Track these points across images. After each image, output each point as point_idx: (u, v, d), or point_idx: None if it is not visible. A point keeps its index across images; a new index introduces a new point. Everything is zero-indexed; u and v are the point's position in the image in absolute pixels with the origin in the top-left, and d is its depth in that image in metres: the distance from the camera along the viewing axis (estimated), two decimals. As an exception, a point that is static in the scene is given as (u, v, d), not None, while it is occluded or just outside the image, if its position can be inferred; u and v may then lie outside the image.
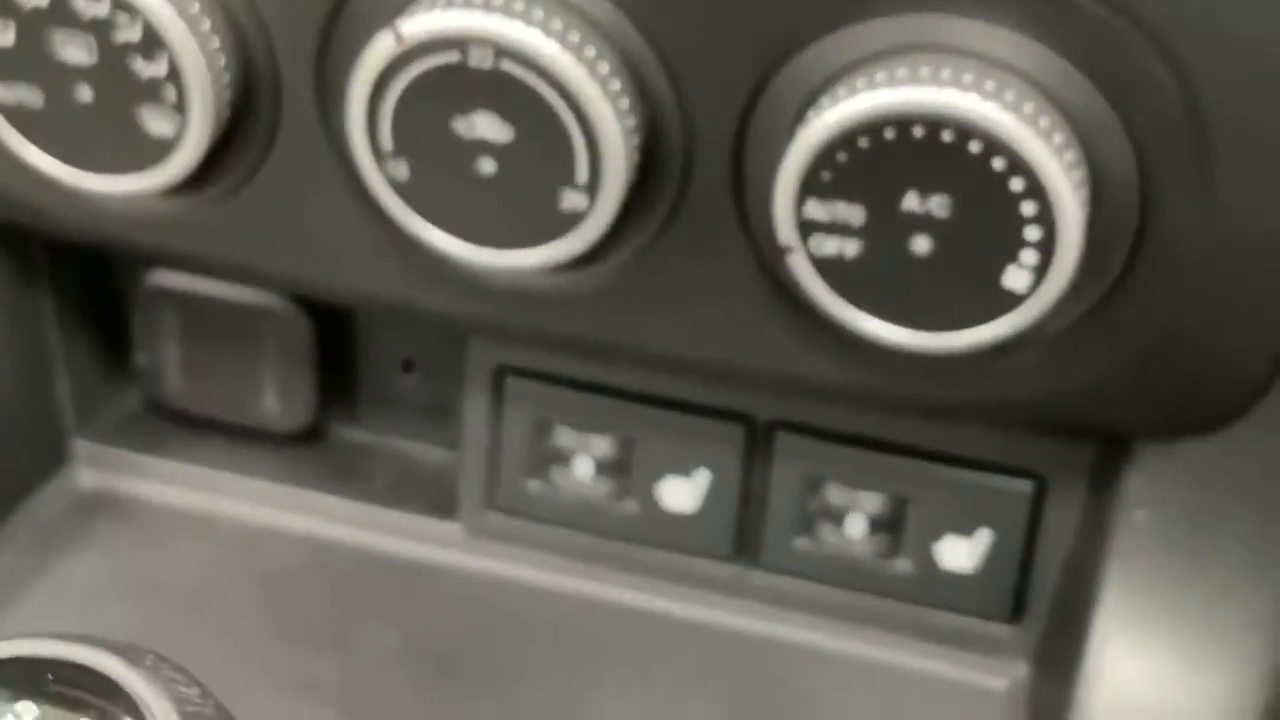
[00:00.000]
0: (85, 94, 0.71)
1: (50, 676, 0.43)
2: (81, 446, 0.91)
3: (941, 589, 0.82)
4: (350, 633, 0.82)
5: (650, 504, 0.85)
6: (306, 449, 0.92)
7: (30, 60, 0.71)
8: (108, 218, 0.77)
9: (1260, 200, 0.65)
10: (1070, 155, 0.63)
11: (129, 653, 0.44)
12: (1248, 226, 0.65)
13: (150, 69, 0.70)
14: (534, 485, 0.86)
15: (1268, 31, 0.61)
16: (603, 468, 0.85)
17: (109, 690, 0.43)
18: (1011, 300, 0.65)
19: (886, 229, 0.65)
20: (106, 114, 0.71)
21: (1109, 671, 0.74)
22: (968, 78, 0.62)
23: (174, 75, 0.69)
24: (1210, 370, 0.70)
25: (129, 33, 0.69)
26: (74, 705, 0.43)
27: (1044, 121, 0.62)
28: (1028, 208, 0.63)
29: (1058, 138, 0.62)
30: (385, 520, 0.89)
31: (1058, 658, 0.78)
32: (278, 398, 0.91)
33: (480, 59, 0.66)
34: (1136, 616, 0.74)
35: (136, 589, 0.84)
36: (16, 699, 0.43)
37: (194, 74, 0.69)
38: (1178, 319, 0.68)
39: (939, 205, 0.64)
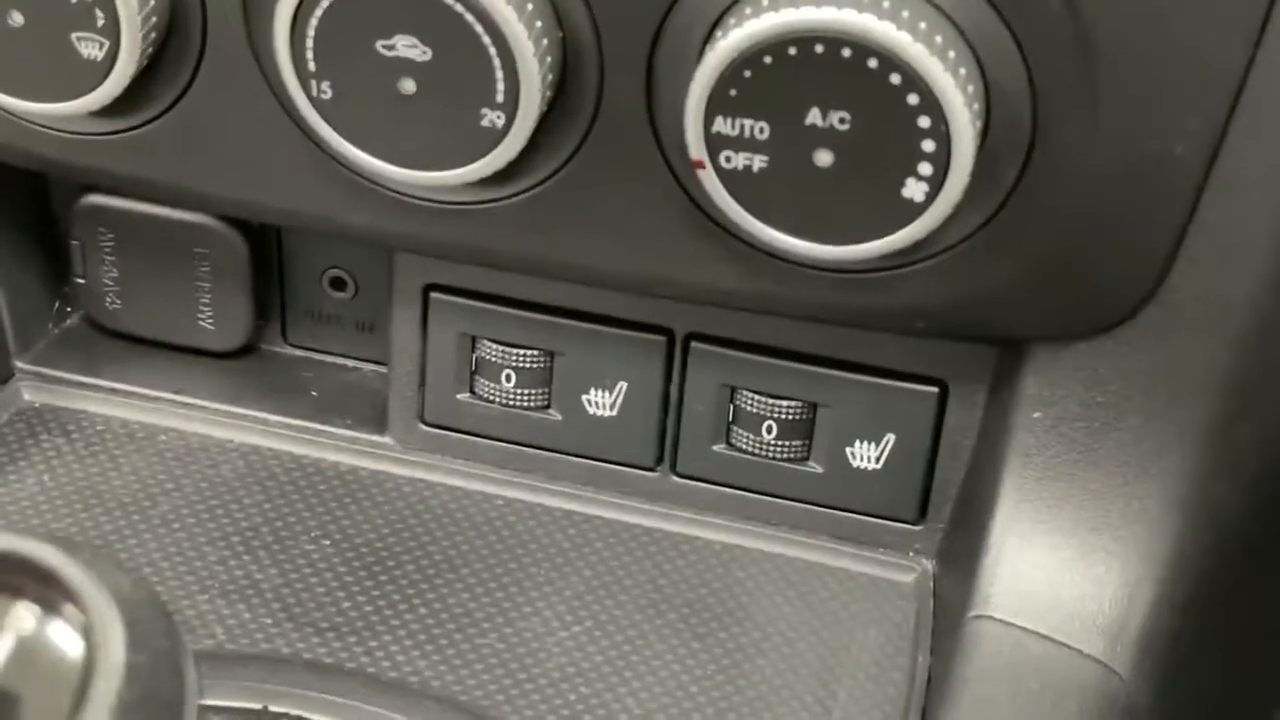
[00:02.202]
0: (15, 19, 0.70)
1: None
2: (23, 365, 0.91)
3: (851, 491, 0.83)
4: (286, 539, 0.83)
5: (574, 414, 0.85)
6: (242, 365, 0.92)
7: None
8: (40, 140, 0.77)
9: (1145, 115, 0.66)
10: (964, 71, 0.63)
11: (66, 544, 0.44)
12: (1133, 140, 0.66)
13: (78, -6, 0.69)
14: (461, 398, 0.86)
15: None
16: (527, 380, 0.85)
17: (47, 578, 0.43)
18: (910, 211, 0.66)
19: (791, 144, 0.65)
20: (37, 38, 0.71)
21: (1007, 563, 0.75)
22: (866, -3, 0.63)
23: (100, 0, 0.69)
24: (1100, 276, 0.71)
25: (58, -41, 0.68)
26: (14, 592, 0.43)
27: (939, 38, 0.63)
28: (923, 121, 0.63)
29: (952, 54, 0.63)
30: (319, 434, 0.89)
31: (960, 552, 0.79)
32: (214, 317, 0.90)
33: (399, -20, 0.66)
34: (1032, 512, 0.76)
35: (78, 498, 0.84)
36: None
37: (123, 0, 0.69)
38: (1069, 228, 0.69)
39: (840, 120, 0.64)
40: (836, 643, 0.79)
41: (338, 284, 0.90)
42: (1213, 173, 0.67)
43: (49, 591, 0.43)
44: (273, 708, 0.70)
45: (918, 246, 0.68)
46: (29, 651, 0.42)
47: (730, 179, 0.67)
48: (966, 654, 0.74)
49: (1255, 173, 0.67)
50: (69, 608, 0.43)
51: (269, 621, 0.78)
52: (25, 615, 0.42)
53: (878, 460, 0.82)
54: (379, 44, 0.67)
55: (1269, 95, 0.65)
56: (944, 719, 0.73)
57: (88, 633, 0.42)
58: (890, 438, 0.82)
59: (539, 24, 0.66)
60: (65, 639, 0.42)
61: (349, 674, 0.76)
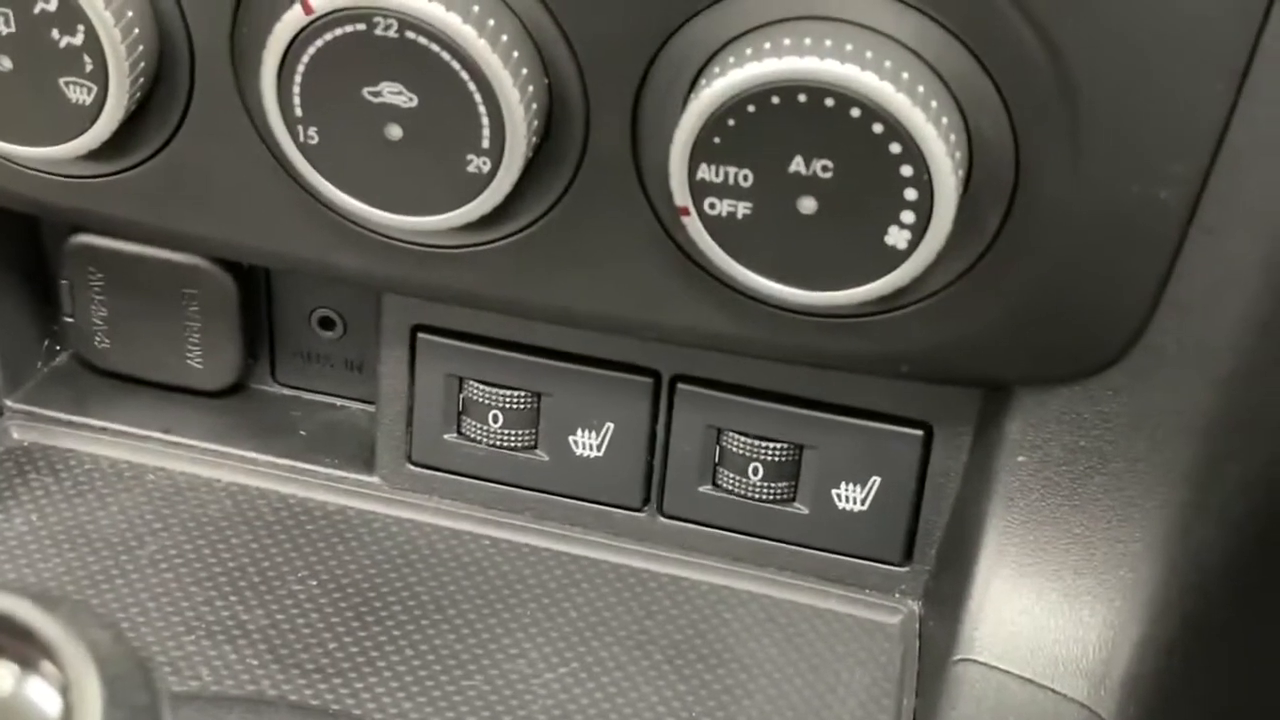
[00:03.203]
0: (4, 63, 0.71)
1: None
2: (11, 403, 0.90)
3: (837, 532, 0.83)
4: (273, 579, 0.83)
5: (560, 455, 0.85)
6: (230, 404, 0.92)
7: None
8: (28, 182, 0.77)
9: (1128, 161, 0.66)
10: (946, 120, 0.63)
11: (43, 599, 0.43)
12: (1116, 186, 0.66)
13: (67, 38, 0.69)
14: (448, 438, 0.86)
15: (1134, 4, 0.62)
16: (514, 420, 0.85)
17: (24, 635, 0.42)
18: (893, 258, 0.66)
19: (775, 191, 0.66)
20: (26, 83, 0.71)
21: (991, 607, 0.76)
22: (849, 47, 0.63)
23: (90, 44, 0.69)
24: (1084, 321, 0.71)
25: (46, 4, 0.69)
26: None
27: (921, 88, 0.63)
28: (906, 170, 0.63)
29: (934, 104, 0.63)
30: (306, 473, 0.89)
31: (945, 595, 0.79)
32: (203, 356, 0.90)
33: (386, 29, 0.66)
34: (1017, 555, 0.76)
35: (65, 538, 0.84)
36: None
37: (109, 43, 0.69)
38: (1052, 275, 0.69)
39: (823, 168, 0.64)
40: (823, 684, 0.79)
41: (326, 324, 0.90)
42: (1196, 217, 0.67)
43: (27, 648, 0.43)
44: (258, 752, 0.70)
45: (901, 293, 0.68)
46: (7, 711, 0.42)
47: (715, 225, 0.67)
48: (951, 698, 0.74)
49: (1238, 217, 0.67)
50: (47, 665, 0.42)
51: (255, 663, 0.78)
52: (3, 674, 0.42)
53: (863, 502, 0.82)
54: (365, 90, 0.68)
55: (1251, 140, 0.65)
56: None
57: (65, 691, 0.42)
58: (876, 480, 0.82)
59: (524, 70, 0.67)
60: (43, 697, 0.42)
61: (335, 716, 0.75)
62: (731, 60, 0.64)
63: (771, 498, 0.83)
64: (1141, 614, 0.75)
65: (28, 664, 0.42)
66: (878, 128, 0.63)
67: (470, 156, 0.68)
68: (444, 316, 0.84)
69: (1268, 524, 0.78)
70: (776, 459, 0.83)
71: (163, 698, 0.44)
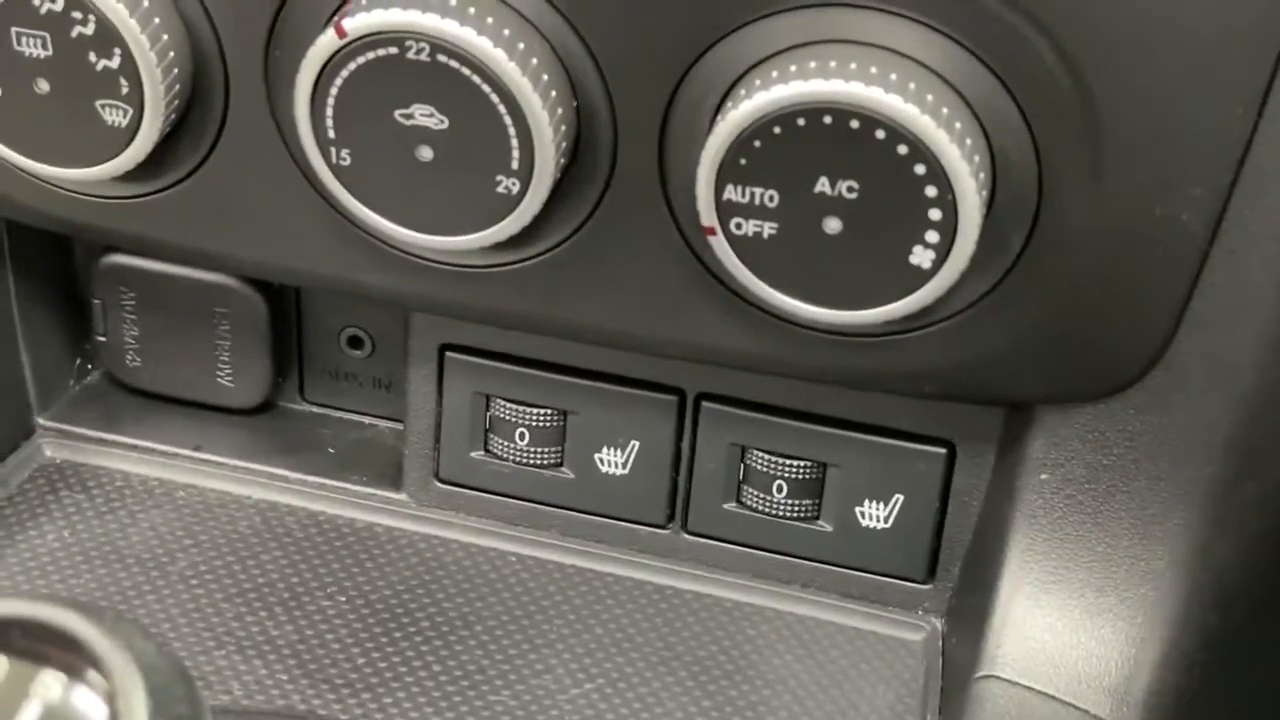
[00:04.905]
0: (41, 85, 0.71)
1: (17, 634, 0.43)
2: (44, 421, 0.91)
3: (860, 550, 0.83)
4: (302, 594, 0.83)
5: (586, 472, 0.85)
6: (260, 422, 0.92)
7: None
8: (63, 203, 0.77)
9: (1149, 185, 0.66)
10: (970, 141, 0.64)
11: (90, 610, 0.44)
12: (1138, 208, 0.66)
13: (104, 62, 0.70)
14: (475, 456, 0.87)
15: (1155, 27, 0.63)
16: (540, 438, 0.85)
17: (72, 645, 0.43)
18: (918, 278, 0.66)
19: (800, 211, 0.66)
20: (62, 105, 0.71)
21: (1014, 624, 0.75)
22: (873, 70, 0.63)
23: (127, 67, 0.69)
24: (1106, 340, 0.71)
25: (83, 28, 0.69)
26: (39, 659, 0.43)
27: (945, 110, 0.63)
28: (930, 191, 0.64)
29: (958, 125, 0.63)
30: (335, 490, 0.89)
31: (968, 612, 0.79)
32: (233, 374, 0.91)
33: (418, 52, 0.66)
34: (1040, 573, 0.76)
35: (98, 555, 0.84)
36: None
37: (145, 66, 0.69)
38: (1074, 295, 0.69)
39: (848, 189, 0.65)
40: (846, 701, 0.79)
41: (355, 343, 0.91)
42: (1217, 239, 0.68)
43: (74, 658, 0.43)
44: (289, 764, 0.70)
45: (925, 312, 0.68)
46: (55, 718, 0.42)
47: (740, 245, 0.67)
48: (974, 714, 0.74)
49: (1259, 238, 0.68)
50: (93, 674, 0.43)
51: (284, 677, 0.79)
52: (51, 683, 0.42)
53: (887, 520, 0.82)
54: (397, 113, 0.68)
55: (1272, 162, 0.66)
56: (952, 778, 0.73)
57: (111, 699, 0.42)
58: (899, 498, 0.82)
59: (553, 93, 0.67)
60: (90, 706, 0.42)
61: (365, 731, 0.76)
62: (758, 83, 0.65)
63: (795, 515, 0.84)
64: (1163, 632, 0.75)
65: (75, 673, 0.43)
66: (902, 149, 0.63)
67: (500, 178, 0.69)
68: (471, 335, 0.84)
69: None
70: (800, 477, 0.83)
71: (204, 708, 0.44)
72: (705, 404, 0.83)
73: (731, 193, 0.66)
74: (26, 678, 0.43)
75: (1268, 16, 0.63)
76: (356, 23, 0.66)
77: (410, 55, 0.66)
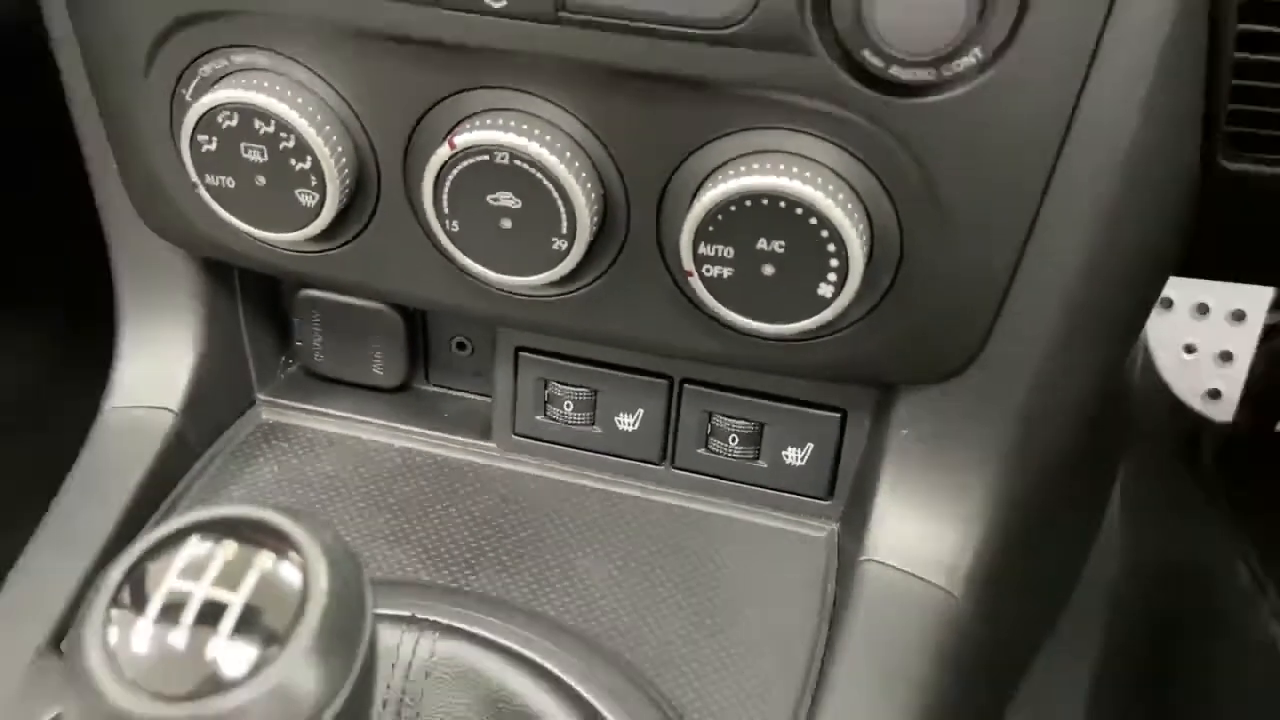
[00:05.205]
0: (261, 180, 0.71)
1: (245, 528, 0.43)
2: (262, 396, 0.91)
3: (785, 478, 0.83)
4: (427, 507, 0.82)
5: (610, 429, 0.85)
6: (400, 396, 0.91)
7: (226, 160, 0.71)
8: (275, 255, 0.77)
9: (970, 242, 0.66)
10: (856, 216, 0.63)
11: (291, 513, 0.44)
12: (962, 259, 0.66)
13: (300, 165, 0.70)
14: (538, 418, 0.86)
15: (975, 141, 0.62)
16: (580, 407, 0.84)
17: (279, 535, 0.43)
18: (822, 304, 0.66)
19: (747, 261, 0.66)
20: (274, 193, 0.71)
21: (884, 526, 0.75)
22: (794, 169, 0.63)
23: (315, 168, 0.70)
24: (943, 345, 0.70)
25: (287, 143, 0.69)
26: (258, 544, 0.43)
27: (840, 195, 0.63)
28: (830, 248, 0.64)
29: (849, 205, 0.63)
30: (448, 440, 0.88)
31: (854, 518, 0.79)
32: (382, 366, 0.90)
33: (501, 158, 0.66)
34: (901, 492, 0.75)
35: (295, 482, 0.84)
36: (222, 540, 0.43)
37: (328, 168, 0.69)
38: (924, 314, 0.69)
39: (778, 246, 0.65)
40: (775, 574, 0.79)
41: (461, 346, 0.90)
42: (1015, 277, 0.67)
43: (281, 544, 0.43)
44: (418, 615, 0.70)
45: (827, 326, 0.68)
46: (268, 582, 0.42)
47: (709, 283, 0.67)
48: (858, 585, 0.74)
49: (1042, 279, 0.67)
50: (293, 554, 0.43)
51: (416, 561, 0.78)
52: (266, 559, 0.43)
53: (802, 459, 0.82)
54: (488, 197, 0.68)
55: (1052, 224, 0.65)
56: (844, 626, 0.72)
57: (304, 570, 0.43)
58: (810, 445, 0.81)
59: (589, 185, 0.67)
60: (290, 573, 0.43)
61: (467, 594, 0.76)
62: (719, 178, 0.64)
63: (743, 457, 0.83)
64: (978, 530, 0.75)
65: (281, 553, 0.43)
66: (813, 220, 0.63)
67: (554, 239, 0.68)
68: (536, 341, 0.83)
69: (1059, 470, 0.78)
70: (747, 431, 0.82)
71: (364, 578, 0.44)
72: (686, 385, 0.82)
73: (703, 249, 0.66)
74: (250, 555, 0.43)
75: (1048, 135, 0.63)
76: (462, 140, 0.67)
77: (497, 160, 0.66)
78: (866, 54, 0.59)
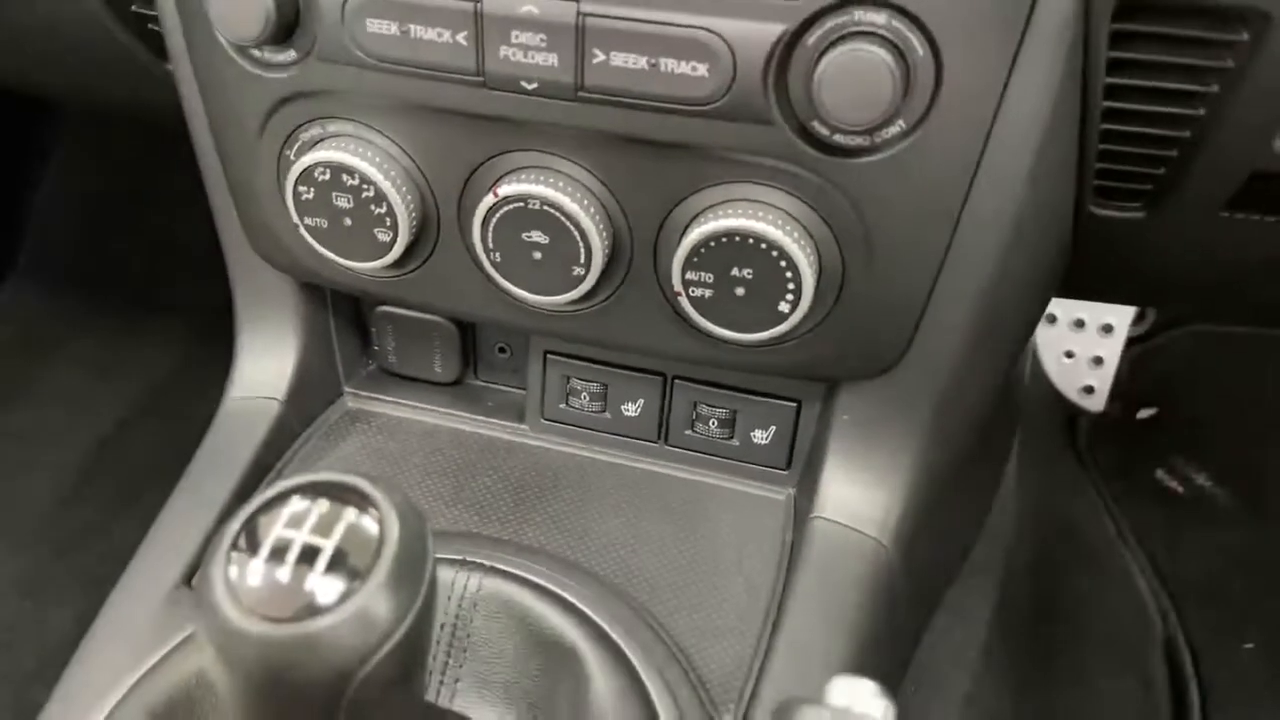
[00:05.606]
0: (347, 221, 0.71)
1: (335, 489, 0.44)
2: (348, 389, 0.90)
3: (754, 454, 0.82)
4: (475, 475, 0.82)
5: (618, 414, 0.84)
6: (454, 390, 0.91)
7: (321, 206, 0.71)
8: (357, 279, 0.77)
9: (898, 272, 0.66)
10: (809, 250, 0.64)
11: (370, 479, 0.44)
12: (891, 283, 0.66)
13: (378, 210, 0.70)
14: (562, 406, 0.85)
15: (898, 193, 0.63)
16: (594, 398, 0.84)
17: (362, 495, 0.43)
18: (782, 317, 0.66)
19: (723, 284, 0.66)
20: (358, 231, 0.71)
21: (829, 490, 0.75)
22: (760, 214, 0.63)
23: (390, 213, 0.70)
24: (876, 349, 0.71)
25: (368, 192, 0.69)
26: (345, 502, 0.43)
27: (795, 234, 0.63)
28: (789, 274, 0.64)
29: (804, 242, 0.63)
30: (491, 424, 0.87)
31: (807, 484, 0.78)
32: (441, 365, 0.90)
33: (533, 205, 0.67)
34: (843, 463, 0.75)
35: (371, 456, 0.84)
36: (316, 499, 0.43)
37: (401, 213, 0.70)
38: (861, 326, 0.69)
39: (747, 273, 0.65)
40: (744, 528, 0.79)
41: (502, 350, 0.90)
42: (931, 298, 0.67)
43: (362, 502, 0.43)
44: (470, 559, 0.70)
45: (785, 335, 0.68)
46: (352, 530, 0.42)
47: (694, 302, 0.67)
48: (809, 536, 0.74)
49: (953, 299, 0.67)
50: (372, 509, 0.43)
51: (467, 516, 0.78)
52: (351, 513, 0.43)
53: (767, 439, 0.81)
54: (523, 235, 0.68)
55: (960, 257, 0.65)
56: (798, 568, 0.72)
57: (381, 523, 0.43)
58: (774, 427, 0.81)
59: (601, 226, 0.67)
60: (370, 525, 0.43)
61: (506, 542, 0.75)
62: (703, 220, 0.65)
63: (720, 436, 0.82)
64: (904, 492, 0.74)
65: (362, 509, 0.43)
66: (775, 253, 0.63)
67: (574, 267, 0.68)
68: (561, 346, 0.83)
69: (967, 447, 0.78)
70: (723, 417, 0.82)
71: (428, 530, 0.45)
72: (677, 381, 0.82)
73: (689, 274, 0.66)
74: (339, 511, 0.43)
75: (958, 187, 0.63)
76: (504, 190, 0.67)
77: (530, 206, 0.67)
78: (815, 124, 0.60)
